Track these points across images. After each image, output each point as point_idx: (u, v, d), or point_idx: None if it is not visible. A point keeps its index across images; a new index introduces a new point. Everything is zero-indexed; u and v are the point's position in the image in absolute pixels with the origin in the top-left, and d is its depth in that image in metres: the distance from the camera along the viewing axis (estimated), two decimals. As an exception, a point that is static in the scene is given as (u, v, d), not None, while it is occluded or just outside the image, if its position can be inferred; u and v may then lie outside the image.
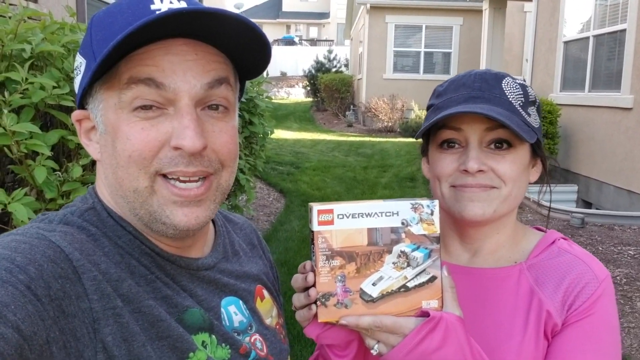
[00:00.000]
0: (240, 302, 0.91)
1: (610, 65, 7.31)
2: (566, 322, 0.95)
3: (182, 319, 0.78)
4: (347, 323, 0.84)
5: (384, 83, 16.65)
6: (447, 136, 1.02)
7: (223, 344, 0.82)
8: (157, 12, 0.69)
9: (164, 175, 0.74)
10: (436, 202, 0.86)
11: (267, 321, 0.95)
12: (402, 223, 0.85)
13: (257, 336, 0.90)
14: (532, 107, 1.02)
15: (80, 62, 0.78)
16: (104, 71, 0.73)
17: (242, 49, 0.77)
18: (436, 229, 0.86)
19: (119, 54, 0.70)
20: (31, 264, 0.63)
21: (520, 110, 0.99)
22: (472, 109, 0.95)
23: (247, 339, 0.88)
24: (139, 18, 0.69)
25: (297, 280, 0.88)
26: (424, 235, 0.85)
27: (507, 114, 0.96)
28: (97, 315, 0.67)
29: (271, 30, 46.52)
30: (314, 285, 0.84)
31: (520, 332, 0.97)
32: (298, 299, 0.88)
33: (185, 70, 0.73)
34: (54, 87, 1.79)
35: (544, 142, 7.51)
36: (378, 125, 16.00)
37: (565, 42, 8.39)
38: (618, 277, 4.85)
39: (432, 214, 0.85)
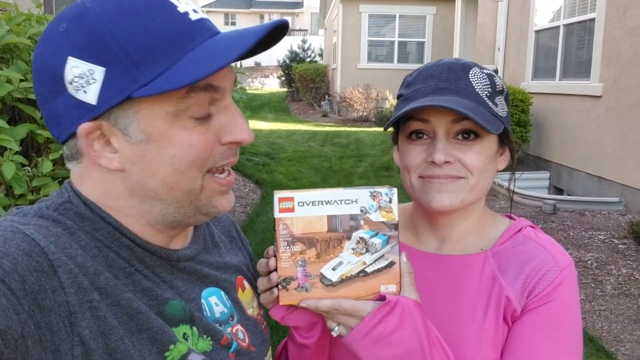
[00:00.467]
0: (222, 292, 0.91)
1: (580, 53, 7.44)
2: (525, 308, 0.97)
3: (162, 312, 0.78)
4: (307, 306, 0.87)
5: (359, 73, 16.68)
6: (415, 127, 1.03)
7: (204, 336, 0.82)
8: (189, 18, 0.74)
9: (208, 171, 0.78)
10: (394, 190, 0.88)
11: (249, 312, 0.96)
12: (361, 210, 0.87)
13: (238, 327, 0.91)
14: (500, 97, 1.04)
15: (90, 69, 0.70)
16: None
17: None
18: (394, 216, 0.88)
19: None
20: (5, 257, 0.62)
21: (487, 101, 1.00)
22: (437, 103, 0.96)
23: (229, 329, 0.88)
24: (178, 25, 0.72)
25: (261, 264, 0.91)
26: (383, 222, 0.88)
27: (473, 106, 0.97)
28: (73, 308, 0.67)
29: (244, 20, 46.19)
30: (275, 269, 0.87)
31: (480, 318, 0.99)
32: (261, 283, 0.90)
33: (226, 70, 0.77)
34: (21, 80, 1.75)
35: (517, 130, 7.62)
36: (353, 115, 16.04)
37: (536, 31, 8.50)
38: (589, 262, 4.97)
39: (390, 201, 0.88)
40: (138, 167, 0.75)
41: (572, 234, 5.71)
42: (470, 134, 1.00)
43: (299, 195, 0.86)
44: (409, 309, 0.85)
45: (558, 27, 7.90)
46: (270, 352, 1.00)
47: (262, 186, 7.59)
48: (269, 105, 20.12)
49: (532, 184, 7.58)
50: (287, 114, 18.38)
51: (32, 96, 1.77)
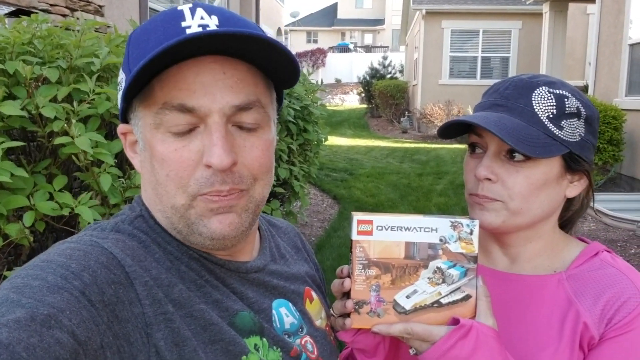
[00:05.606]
0: (290, 304, 0.92)
1: (681, 68, 6.96)
2: (604, 337, 0.93)
3: (233, 323, 0.79)
4: (379, 331, 0.86)
5: (440, 89, 16.44)
6: (473, 140, 1.04)
7: (274, 347, 0.83)
8: (185, 33, 0.70)
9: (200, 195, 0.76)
10: (476, 221, 0.87)
11: (317, 323, 0.96)
12: (440, 240, 0.86)
13: (307, 338, 0.91)
14: (572, 120, 0.98)
15: (121, 77, 0.79)
16: (139, 89, 0.75)
17: (271, 63, 0.77)
18: (474, 248, 0.87)
19: (149, 73, 0.71)
20: (85, 270, 0.65)
21: (546, 123, 0.96)
22: (475, 120, 0.96)
23: (298, 341, 0.89)
24: (169, 37, 0.70)
25: (334, 285, 0.91)
26: (462, 253, 0.87)
27: (522, 126, 0.95)
28: (149, 320, 0.69)
29: (326, 38, 46.87)
30: (349, 291, 0.87)
31: (554, 343, 0.95)
32: (336, 307, 0.91)
33: (214, 91, 0.73)
34: (119, 98, 1.87)
35: (608, 148, 7.19)
36: (433, 131, 15.80)
37: (631, 45, 8.05)
38: (689, 292, 4.59)
39: (471, 233, 0.87)
40: (143, 172, 0.80)
41: (670, 260, 5.31)
42: (516, 154, 0.97)
43: (378, 219, 0.86)
44: (484, 335, 0.83)
45: (656, 40, 7.44)
46: None
47: (339, 202, 7.62)
48: (348, 121, 20.23)
49: (625, 206, 7.12)
50: (366, 130, 18.39)
51: (128, 112, 1.88)
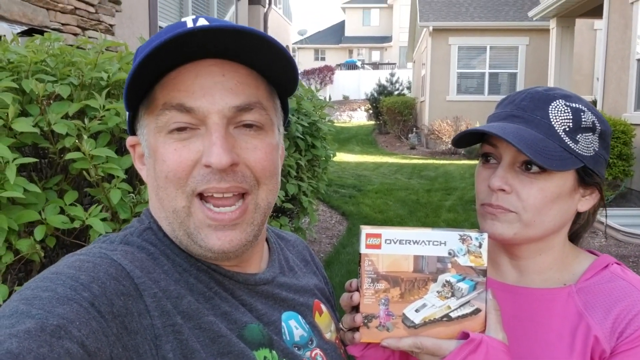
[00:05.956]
0: (299, 316, 0.91)
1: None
2: (615, 350, 0.92)
3: (242, 335, 0.78)
4: (388, 345, 0.86)
5: (448, 105, 16.46)
6: (486, 150, 1.03)
7: (284, 359, 0.82)
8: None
9: (201, 196, 0.76)
10: (485, 235, 0.87)
11: (327, 335, 0.95)
12: (449, 253, 0.86)
13: (317, 351, 0.91)
14: (587, 134, 0.98)
15: None
16: (142, 96, 0.77)
17: (271, 65, 0.78)
18: (483, 261, 0.86)
19: (150, 76, 0.73)
20: (95, 282, 0.65)
21: (563, 136, 0.96)
22: (493, 130, 0.95)
23: (308, 353, 0.88)
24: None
25: (343, 299, 0.91)
26: (471, 267, 0.86)
27: (539, 138, 0.94)
28: (158, 331, 0.69)
29: (334, 55, 47.16)
30: (358, 305, 0.87)
31: (565, 357, 0.95)
32: (345, 321, 0.90)
33: (214, 93, 0.74)
34: (129, 114, 1.89)
35: (618, 163, 7.14)
36: (441, 147, 15.80)
37: (639, 60, 8.04)
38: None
39: (480, 246, 0.86)
40: (148, 181, 0.81)
41: (683, 276, 5.24)
42: (532, 166, 0.97)
43: (387, 232, 0.86)
44: (495, 350, 0.82)
45: (664, 55, 7.43)
46: None
47: (348, 218, 7.60)
48: (356, 138, 20.26)
49: (637, 221, 7.06)
50: (374, 147, 18.41)
51: (138, 128, 1.91)
